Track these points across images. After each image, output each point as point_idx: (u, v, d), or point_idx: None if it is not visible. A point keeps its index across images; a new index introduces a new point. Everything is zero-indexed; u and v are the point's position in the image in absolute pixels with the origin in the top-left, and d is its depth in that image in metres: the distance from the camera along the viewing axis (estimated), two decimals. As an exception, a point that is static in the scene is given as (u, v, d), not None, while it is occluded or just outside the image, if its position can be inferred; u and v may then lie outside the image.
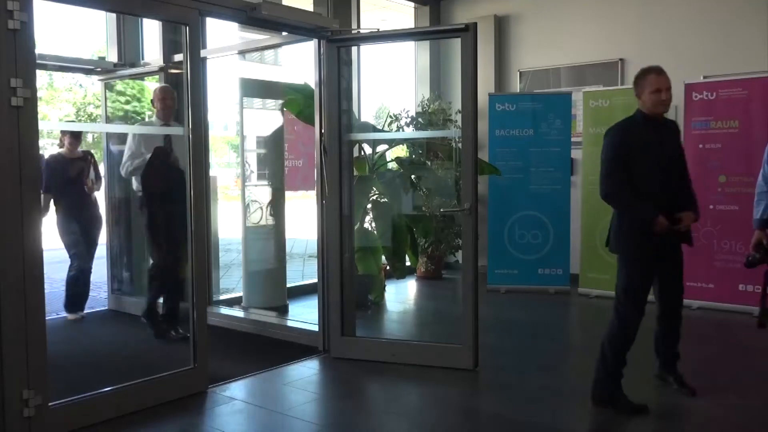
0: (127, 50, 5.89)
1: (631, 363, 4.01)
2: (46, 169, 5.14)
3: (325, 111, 4.37)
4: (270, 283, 5.68)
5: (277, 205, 5.74)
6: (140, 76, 6.39)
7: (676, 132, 3.65)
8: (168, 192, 4.56)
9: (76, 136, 5.55)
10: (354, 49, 5.05)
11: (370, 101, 7.61)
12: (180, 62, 4.82)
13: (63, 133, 5.57)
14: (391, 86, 8.51)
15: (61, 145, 5.54)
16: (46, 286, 3.09)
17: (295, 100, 5.60)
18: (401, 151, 7.25)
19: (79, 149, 5.50)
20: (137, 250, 5.69)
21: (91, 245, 5.50)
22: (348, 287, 4.44)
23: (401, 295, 6.75)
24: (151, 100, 4.89)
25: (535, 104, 6.62)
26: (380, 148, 6.50)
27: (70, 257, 5.37)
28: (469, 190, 4.04)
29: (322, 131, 4.39)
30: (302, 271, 8.09)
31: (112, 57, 5.89)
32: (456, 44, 4.04)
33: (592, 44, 6.88)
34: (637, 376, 3.97)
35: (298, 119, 5.70)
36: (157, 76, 5.74)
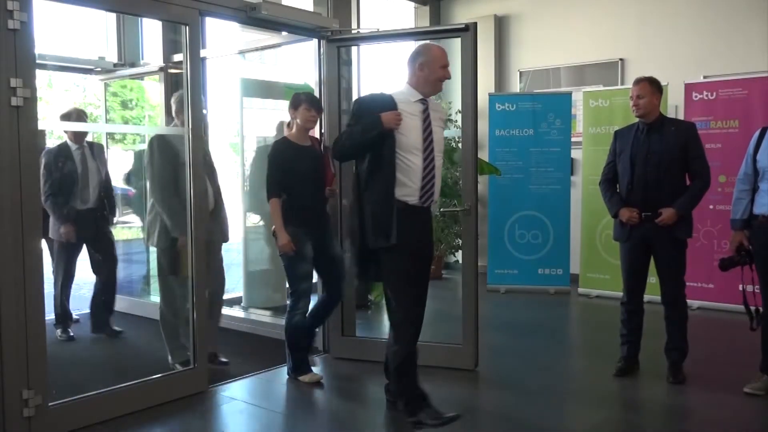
0: (127, 50, 5.89)
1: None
2: (275, 160, 3.77)
3: (325, 111, 4.37)
4: (270, 283, 5.67)
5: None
6: (140, 76, 6.40)
7: (673, 135, 3.81)
8: None
9: (317, 107, 3.91)
10: (354, 48, 5.05)
11: (370, 101, 7.57)
12: (180, 62, 4.82)
13: (296, 105, 3.85)
14: (391, 86, 8.45)
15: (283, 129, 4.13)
16: (45, 286, 3.09)
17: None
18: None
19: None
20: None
21: (340, 272, 3.95)
22: (348, 287, 4.44)
23: (401, 295, 6.74)
24: (420, 63, 3.24)
25: (535, 104, 6.62)
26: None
27: (294, 296, 3.87)
28: (469, 190, 4.04)
29: (322, 131, 4.39)
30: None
31: (112, 57, 5.89)
32: (456, 44, 4.04)
33: (592, 44, 6.88)
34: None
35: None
36: (157, 77, 5.74)
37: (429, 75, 3.25)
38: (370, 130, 3.11)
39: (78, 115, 4.69)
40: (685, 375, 3.84)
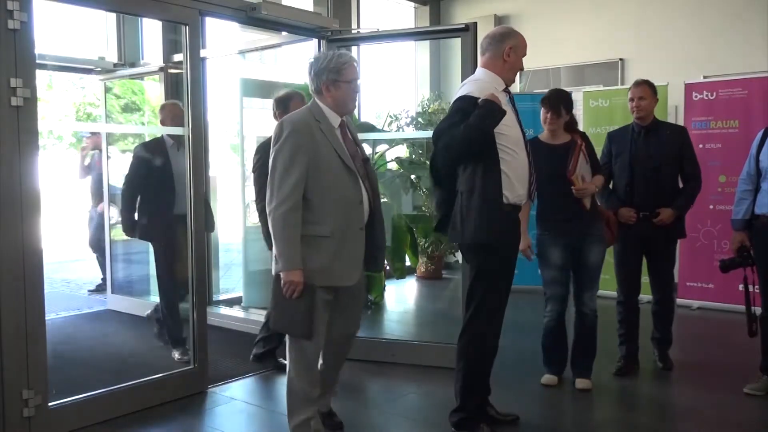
0: (127, 50, 5.89)
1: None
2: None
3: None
4: (270, 283, 5.67)
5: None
6: (140, 76, 6.40)
7: (669, 138, 3.91)
8: None
9: (557, 111, 3.74)
10: (354, 48, 5.05)
11: (370, 101, 7.61)
12: (180, 62, 4.82)
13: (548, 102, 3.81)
14: (391, 86, 8.50)
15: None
16: (45, 286, 3.09)
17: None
18: (401, 150, 7.25)
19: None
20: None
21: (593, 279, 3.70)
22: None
23: (401, 295, 6.75)
24: (510, 48, 2.92)
25: (535, 104, 6.59)
26: (380, 148, 6.50)
27: (545, 300, 4.01)
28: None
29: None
30: (302, 271, 8.10)
31: (112, 57, 5.89)
32: (456, 44, 4.04)
33: (592, 44, 6.88)
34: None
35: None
36: (157, 77, 5.74)
37: (515, 62, 2.92)
38: (488, 115, 2.69)
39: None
40: (672, 362, 4.06)
